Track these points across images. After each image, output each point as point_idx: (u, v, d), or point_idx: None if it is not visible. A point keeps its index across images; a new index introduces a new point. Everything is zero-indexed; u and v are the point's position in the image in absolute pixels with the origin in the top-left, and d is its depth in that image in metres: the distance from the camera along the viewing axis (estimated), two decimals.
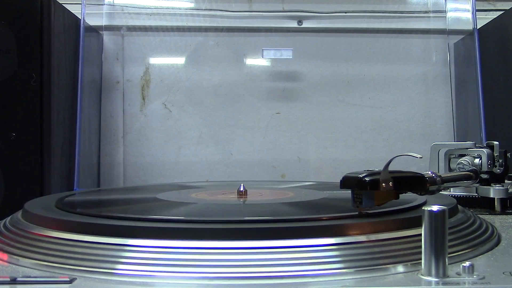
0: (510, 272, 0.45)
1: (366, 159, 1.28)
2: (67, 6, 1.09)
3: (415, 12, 1.30)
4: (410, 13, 1.30)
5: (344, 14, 1.29)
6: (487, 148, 0.82)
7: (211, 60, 1.29)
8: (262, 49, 1.27)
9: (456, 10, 1.29)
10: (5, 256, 0.52)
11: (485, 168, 0.81)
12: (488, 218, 0.72)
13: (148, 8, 1.28)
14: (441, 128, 1.30)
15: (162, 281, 0.44)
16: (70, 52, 1.11)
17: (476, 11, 1.24)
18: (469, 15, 1.25)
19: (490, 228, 0.60)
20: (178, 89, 1.28)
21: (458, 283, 0.42)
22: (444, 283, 0.42)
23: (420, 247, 0.44)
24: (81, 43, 1.15)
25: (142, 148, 1.27)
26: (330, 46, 1.30)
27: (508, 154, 0.84)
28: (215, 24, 1.28)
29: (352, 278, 0.45)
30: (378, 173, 0.53)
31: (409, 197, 0.62)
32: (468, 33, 1.25)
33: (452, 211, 0.60)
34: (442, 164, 0.86)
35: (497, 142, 0.83)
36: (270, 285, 0.43)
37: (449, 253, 0.45)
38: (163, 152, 1.27)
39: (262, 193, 0.80)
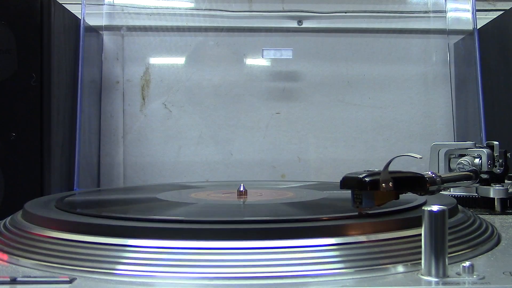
0: (510, 272, 0.45)
1: (366, 159, 1.28)
2: (67, 6, 1.09)
3: (415, 12, 1.30)
4: (410, 13, 1.30)
5: (344, 14, 1.29)
6: (487, 148, 0.82)
7: (211, 60, 1.29)
8: (262, 49, 1.27)
9: (456, 10, 1.29)
10: (5, 256, 0.52)
11: (485, 168, 0.81)
12: (488, 218, 0.72)
13: (148, 8, 1.28)
14: (441, 128, 1.30)
15: (162, 281, 0.44)
16: (70, 52, 1.11)
17: (476, 11, 1.24)
18: (469, 15, 1.25)
19: (490, 228, 0.60)
20: (178, 89, 1.28)
21: (458, 283, 0.42)
22: (444, 283, 0.42)
23: (420, 247, 0.44)
24: (81, 43, 1.15)
25: (142, 148, 1.27)
26: (330, 46, 1.30)
27: (508, 154, 0.84)
28: (215, 24, 1.28)
29: (352, 278, 0.45)
30: (378, 173, 0.53)
31: (409, 197, 0.62)
32: (468, 33, 1.24)
33: (452, 211, 0.60)
34: (442, 164, 0.86)
35: (497, 142, 0.83)
36: (270, 285, 0.43)
37: (449, 253, 0.45)
38: (163, 152, 1.27)
39: (262, 193, 0.80)
